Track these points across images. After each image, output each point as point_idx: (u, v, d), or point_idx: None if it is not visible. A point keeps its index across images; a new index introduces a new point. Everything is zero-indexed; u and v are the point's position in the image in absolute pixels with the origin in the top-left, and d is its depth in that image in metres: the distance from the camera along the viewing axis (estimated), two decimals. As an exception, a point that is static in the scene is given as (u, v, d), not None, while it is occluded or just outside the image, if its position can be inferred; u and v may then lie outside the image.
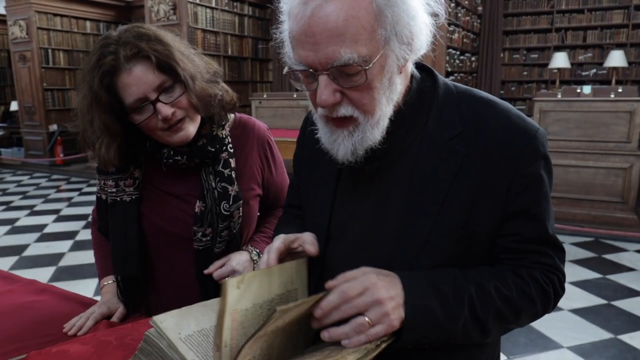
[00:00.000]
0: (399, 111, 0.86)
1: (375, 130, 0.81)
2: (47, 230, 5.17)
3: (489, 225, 0.83)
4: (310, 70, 0.77)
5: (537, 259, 0.86)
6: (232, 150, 1.28)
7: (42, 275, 3.87)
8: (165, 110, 1.10)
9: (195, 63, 1.17)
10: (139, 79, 1.08)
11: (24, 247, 4.61)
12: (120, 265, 1.26)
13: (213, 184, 1.23)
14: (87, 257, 4.30)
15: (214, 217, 1.23)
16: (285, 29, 0.81)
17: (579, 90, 5.16)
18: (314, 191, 1.01)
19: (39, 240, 4.83)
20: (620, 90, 4.95)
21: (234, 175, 1.26)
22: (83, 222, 5.44)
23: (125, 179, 1.23)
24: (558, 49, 7.90)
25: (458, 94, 0.88)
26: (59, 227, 5.27)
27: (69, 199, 6.72)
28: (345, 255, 0.93)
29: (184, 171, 1.25)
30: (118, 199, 1.24)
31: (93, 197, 6.52)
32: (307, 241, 0.91)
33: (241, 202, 1.26)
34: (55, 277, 3.87)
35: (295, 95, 7.19)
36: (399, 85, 0.82)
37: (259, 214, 1.41)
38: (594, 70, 7.78)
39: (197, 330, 0.81)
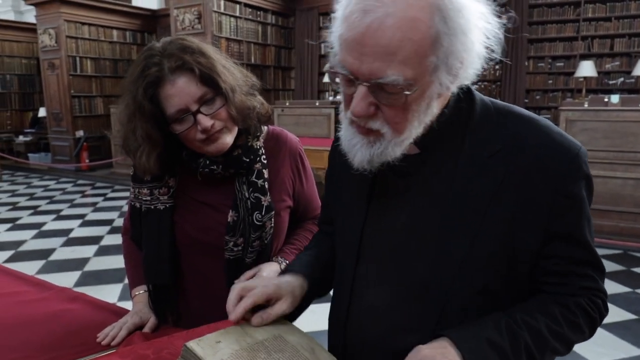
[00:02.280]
0: (436, 127, 0.84)
1: (397, 148, 0.80)
2: (72, 234, 5.28)
3: (529, 245, 0.80)
4: (352, 77, 0.76)
5: (581, 283, 0.83)
6: (265, 162, 1.29)
7: (68, 280, 3.94)
8: (205, 121, 1.12)
9: (235, 76, 1.20)
10: (181, 90, 1.11)
11: (51, 251, 4.71)
12: (152, 273, 1.27)
13: (246, 194, 1.24)
14: (112, 262, 4.36)
15: (246, 227, 1.23)
16: (337, 29, 0.78)
17: (606, 100, 5.06)
18: (345, 207, 0.99)
19: (65, 244, 4.93)
20: (649, 99, 4.84)
21: (266, 186, 1.27)
22: (107, 227, 5.53)
23: (160, 188, 1.25)
24: (584, 57, 7.75)
25: (496, 111, 0.86)
26: (84, 232, 5.36)
27: (94, 204, 6.84)
28: (377, 273, 0.91)
29: (218, 181, 1.26)
30: (152, 207, 1.25)
31: (117, 203, 6.68)
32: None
33: (273, 212, 1.27)
34: (81, 281, 3.94)
35: (317, 104, 7.21)
36: (435, 109, 0.81)
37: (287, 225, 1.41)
38: (622, 79, 7.62)
39: (231, 353, 0.81)
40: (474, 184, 0.81)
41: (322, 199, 1.16)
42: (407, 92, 0.73)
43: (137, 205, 1.29)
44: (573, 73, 7.53)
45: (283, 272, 1.02)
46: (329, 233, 1.11)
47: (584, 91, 6.96)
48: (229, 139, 1.19)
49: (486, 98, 0.88)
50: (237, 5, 8.08)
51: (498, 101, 0.89)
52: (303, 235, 1.42)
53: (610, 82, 7.72)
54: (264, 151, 1.30)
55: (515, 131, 0.82)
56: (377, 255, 0.92)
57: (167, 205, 1.25)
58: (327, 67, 0.82)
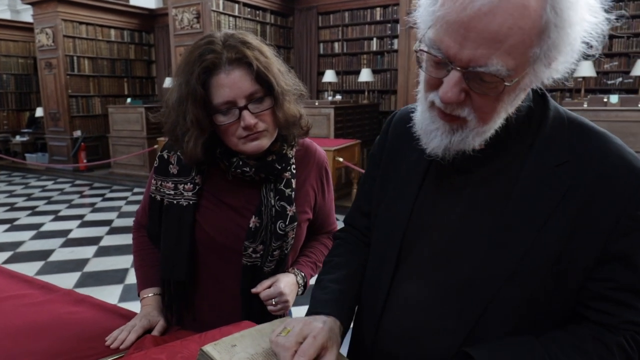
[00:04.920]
0: (506, 125, 0.80)
1: (478, 138, 0.77)
2: (71, 235, 5.25)
3: (584, 263, 0.76)
4: (446, 61, 0.71)
5: (626, 316, 0.77)
6: (294, 171, 1.27)
7: (68, 281, 3.92)
8: (250, 119, 1.11)
9: (288, 82, 1.19)
10: (234, 83, 1.10)
11: (49, 252, 4.68)
12: (169, 269, 1.25)
13: (272, 202, 1.22)
14: (111, 263, 4.34)
15: (267, 234, 1.21)
16: (434, 7, 0.72)
17: (605, 100, 5.08)
18: (391, 196, 0.95)
19: (63, 245, 4.90)
20: (648, 99, 4.86)
21: (293, 196, 1.25)
22: (106, 228, 5.50)
23: (185, 183, 1.23)
24: (583, 57, 7.78)
25: (569, 122, 0.82)
26: (83, 233, 5.33)
27: (92, 204, 6.81)
28: (419, 267, 0.88)
29: (244, 184, 1.24)
30: (175, 201, 1.24)
31: (116, 203, 6.64)
32: None
33: (296, 223, 1.25)
34: (80, 282, 3.91)
35: (316, 103, 7.20)
36: (519, 101, 0.78)
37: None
38: (620, 79, 7.64)
39: (247, 357, 0.80)
40: (536, 191, 0.78)
41: (359, 186, 1.11)
42: (506, 84, 0.70)
43: (158, 197, 1.27)
44: (572, 73, 7.53)
45: (314, 310, 0.93)
46: (358, 233, 1.07)
47: (582, 91, 6.97)
48: (266, 141, 1.17)
49: (559, 106, 0.85)
50: (236, 5, 8.06)
51: (570, 112, 0.85)
52: (318, 249, 1.41)
53: (609, 82, 7.74)
54: (294, 161, 1.28)
55: (586, 145, 0.79)
56: (421, 249, 0.88)
57: (191, 202, 1.23)
58: (415, 45, 0.76)
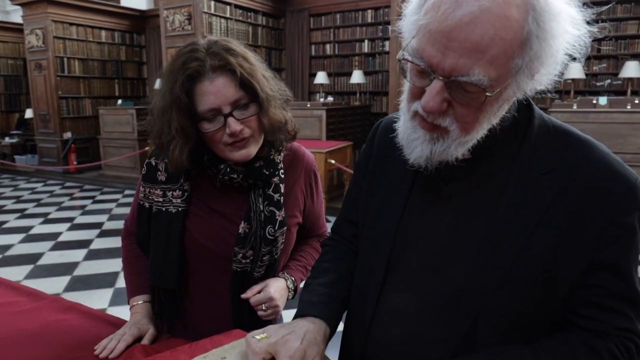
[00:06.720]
0: (491, 135, 0.80)
1: (460, 148, 0.77)
2: (61, 238, 5.20)
3: (572, 271, 0.77)
4: (428, 70, 0.72)
5: (616, 322, 0.78)
6: (283, 176, 1.27)
7: (57, 285, 3.88)
8: (235, 125, 1.11)
9: (272, 87, 1.19)
10: (218, 90, 1.10)
11: (39, 255, 4.63)
12: (159, 276, 1.24)
13: (261, 207, 1.22)
14: (101, 266, 4.30)
15: (257, 240, 1.21)
16: (418, 16, 0.72)
17: (594, 102, 5.12)
18: (379, 206, 0.95)
19: (53, 248, 4.85)
20: (637, 101, 4.91)
21: (282, 201, 1.25)
22: (97, 231, 5.45)
23: (174, 190, 1.23)
24: (572, 59, 7.83)
25: (554, 130, 0.83)
26: (72, 236, 5.28)
27: (83, 207, 6.75)
28: (408, 277, 0.88)
29: (233, 190, 1.24)
30: (163, 209, 1.23)
31: (106, 206, 6.57)
32: None
33: (285, 228, 1.25)
34: (70, 286, 3.87)
35: (308, 105, 7.20)
36: (503, 112, 0.78)
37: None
38: (609, 81, 7.71)
39: None
40: (523, 200, 0.79)
41: (346, 194, 1.11)
42: (488, 94, 0.70)
43: (147, 205, 1.26)
44: (561, 75, 7.59)
45: (302, 312, 0.94)
46: (346, 242, 1.07)
47: (572, 93, 7.03)
48: (253, 148, 1.18)
49: (544, 115, 0.86)
50: (228, 7, 8.04)
51: (556, 120, 0.86)
52: (309, 252, 1.41)
53: (598, 84, 7.80)
54: (282, 165, 1.28)
55: (572, 153, 0.80)
56: (409, 259, 0.88)
57: (180, 209, 1.22)
58: (399, 54, 0.76)
